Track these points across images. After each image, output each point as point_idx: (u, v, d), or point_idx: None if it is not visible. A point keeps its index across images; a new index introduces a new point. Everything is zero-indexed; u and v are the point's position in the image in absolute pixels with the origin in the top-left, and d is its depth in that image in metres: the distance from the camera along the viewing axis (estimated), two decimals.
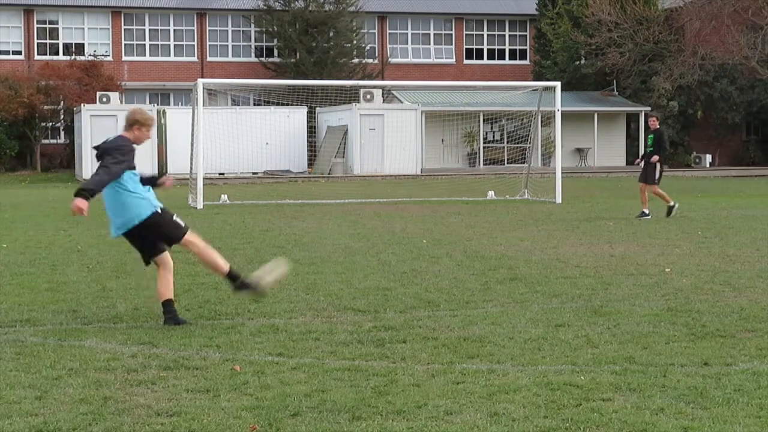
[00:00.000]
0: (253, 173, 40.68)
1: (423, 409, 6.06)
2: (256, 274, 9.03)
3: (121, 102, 42.89)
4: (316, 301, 9.94)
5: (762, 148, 50.58)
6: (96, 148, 8.78)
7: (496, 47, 54.56)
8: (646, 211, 19.93)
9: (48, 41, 49.49)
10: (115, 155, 8.60)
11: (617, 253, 13.90)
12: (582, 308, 9.47)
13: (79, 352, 7.64)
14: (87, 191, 8.37)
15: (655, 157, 20.04)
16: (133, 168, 8.75)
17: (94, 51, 48.09)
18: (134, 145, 8.85)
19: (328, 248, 14.54)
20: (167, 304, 8.76)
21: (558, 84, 27.96)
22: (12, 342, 8.00)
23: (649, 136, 20.40)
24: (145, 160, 39.57)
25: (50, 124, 46.24)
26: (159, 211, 8.74)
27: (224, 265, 8.89)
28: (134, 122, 8.85)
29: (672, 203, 19.96)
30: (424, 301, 9.92)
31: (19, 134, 44.58)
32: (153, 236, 8.82)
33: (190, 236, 8.89)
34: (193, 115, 25.58)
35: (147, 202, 8.70)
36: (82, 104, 40.47)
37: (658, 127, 20.26)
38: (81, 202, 8.34)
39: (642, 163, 20.39)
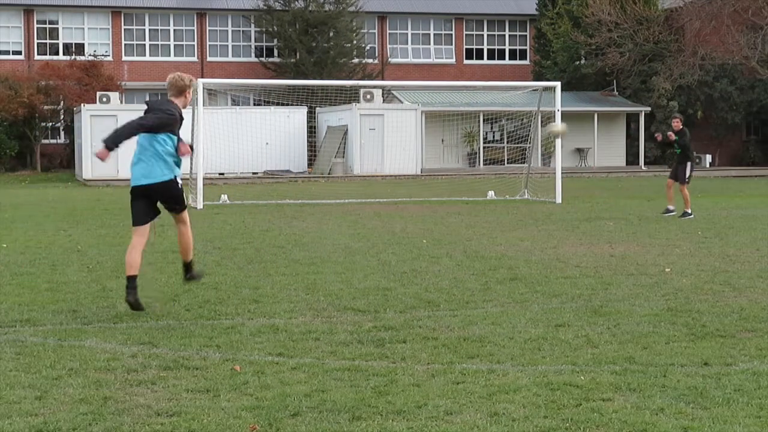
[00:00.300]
0: (253, 173, 40.69)
1: (423, 409, 6.06)
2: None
3: (121, 102, 42.87)
4: (316, 301, 9.94)
5: (762, 148, 50.58)
6: (146, 103, 9.39)
7: (496, 47, 54.56)
8: (671, 208, 20.10)
9: (48, 41, 49.49)
10: (157, 113, 9.19)
11: (617, 253, 13.90)
12: (582, 308, 9.47)
13: (79, 352, 7.64)
14: (107, 143, 9.05)
15: (658, 135, 20.97)
16: (174, 133, 9.24)
17: (94, 51, 48.10)
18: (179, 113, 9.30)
19: (328, 248, 14.54)
20: (133, 279, 9.16)
21: (558, 84, 27.95)
22: (12, 342, 8.00)
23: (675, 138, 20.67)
24: None
25: (50, 124, 46.25)
26: (177, 179, 9.32)
27: (190, 255, 9.72)
28: (184, 87, 9.34)
29: (690, 211, 19.96)
30: (424, 301, 9.92)
31: (19, 134, 44.58)
32: (162, 198, 9.34)
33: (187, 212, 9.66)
34: (193, 115, 25.57)
35: (169, 168, 9.23)
36: (82, 104, 40.47)
37: (681, 127, 20.45)
38: (101, 152, 9.04)
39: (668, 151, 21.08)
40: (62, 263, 12.89)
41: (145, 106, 9.42)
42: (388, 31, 53.24)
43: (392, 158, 41.05)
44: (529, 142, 31.74)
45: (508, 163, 44.08)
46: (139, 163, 9.26)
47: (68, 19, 49.79)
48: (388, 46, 53.08)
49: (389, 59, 52.38)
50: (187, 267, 9.78)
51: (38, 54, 48.93)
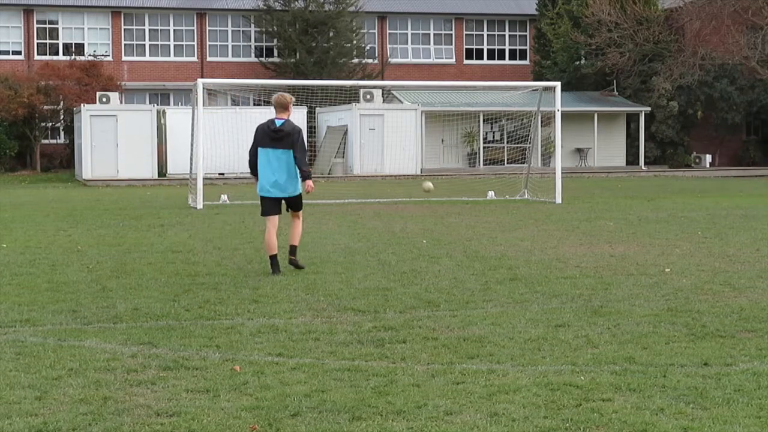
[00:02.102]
0: None
1: (423, 409, 6.06)
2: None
3: (121, 102, 42.86)
4: (316, 301, 9.94)
5: (762, 148, 50.56)
6: (281, 130, 11.67)
7: (496, 47, 54.53)
8: None
9: (48, 41, 49.47)
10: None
11: (617, 253, 13.90)
12: (582, 308, 9.47)
13: (79, 352, 7.64)
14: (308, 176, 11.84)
15: None
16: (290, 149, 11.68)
17: (94, 51, 48.07)
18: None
19: (328, 248, 14.54)
20: (274, 257, 11.67)
21: (558, 84, 27.92)
22: (12, 342, 8.00)
23: None
24: (145, 159, 39.62)
25: (50, 124, 46.23)
26: (301, 191, 11.90)
27: (297, 241, 12.05)
28: (287, 104, 11.76)
29: None
30: (424, 301, 9.92)
31: (19, 134, 44.55)
32: (290, 204, 11.99)
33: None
34: (193, 115, 25.58)
35: (300, 183, 11.81)
36: (82, 104, 40.45)
37: None
38: (310, 185, 11.91)
39: None
40: (62, 263, 12.89)
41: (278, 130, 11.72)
42: (388, 31, 53.22)
43: (392, 158, 41.03)
44: (529, 142, 31.72)
45: (508, 163, 44.05)
46: (276, 176, 11.70)
47: (68, 19, 49.76)
48: (388, 46, 53.06)
49: (389, 59, 52.36)
50: (292, 250, 11.92)
51: (38, 54, 48.90)
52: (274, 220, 11.89)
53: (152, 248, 14.61)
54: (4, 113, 43.03)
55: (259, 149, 11.88)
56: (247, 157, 12.27)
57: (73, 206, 24.20)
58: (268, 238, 11.78)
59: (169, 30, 50.73)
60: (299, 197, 11.99)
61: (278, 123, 11.75)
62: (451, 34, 53.93)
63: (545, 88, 28.97)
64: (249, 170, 12.21)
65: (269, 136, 11.78)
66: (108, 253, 14.04)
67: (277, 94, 11.85)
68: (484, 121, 45.49)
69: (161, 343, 7.95)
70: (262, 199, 11.95)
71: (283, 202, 12.00)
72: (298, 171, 11.76)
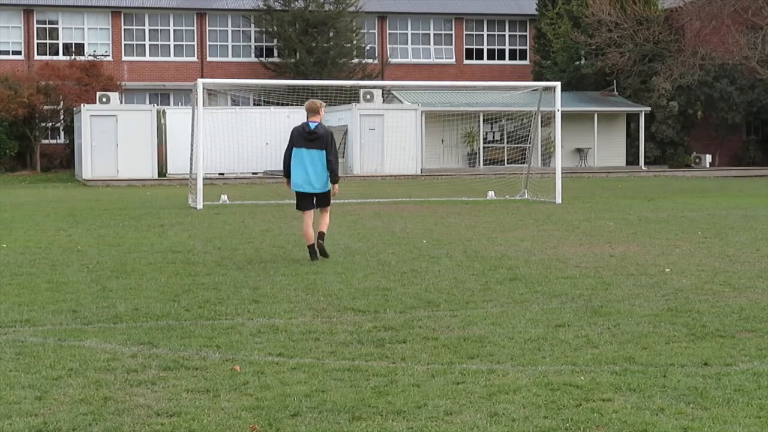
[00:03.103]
0: (253, 173, 40.69)
1: (423, 409, 6.06)
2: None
3: (121, 102, 42.86)
4: (316, 301, 9.94)
5: (762, 148, 50.56)
6: (315, 132, 12.99)
7: (496, 47, 54.55)
8: None
9: (48, 41, 49.48)
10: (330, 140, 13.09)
11: (617, 253, 13.90)
12: (582, 308, 9.47)
13: (79, 352, 7.64)
14: (337, 179, 13.17)
15: None
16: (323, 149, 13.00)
17: (94, 51, 48.09)
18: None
19: (328, 248, 14.51)
20: (312, 246, 12.91)
21: (558, 84, 27.91)
22: (12, 342, 8.00)
23: None
24: (144, 159, 39.62)
25: (50, 124, 46.24)
26: (330, 188, 13.15)
27: (324, 229, 13.04)
28: (317, 108, 13.06)
29: None
30: (424, 301, 9.92)
31: (19, 134, 44.56)
32: (320, 199, 13.14)
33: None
34: (193, 115, 25.56)
35: (328, 182, 13.08)
36: (82, 104, 40.44)
37: None
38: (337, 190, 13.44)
39: None
40: (62, 263, 12.89)
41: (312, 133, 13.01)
42: (388, 31, 53.23)
43: (392, 158, 41.02)
44: (529, 142, 31.72)
45: (508, 163, 44.05)
46: (310, 173, 12.94)
47: (68, 19, 49.76)
48: (388, 46, 53.07)
49: (389, 59, 52.37)
50: (320, 235, 12.95)
51: (38, 54, 48.91)
52: (309, 213, 13.12)
53: (152, 248, 14.61)
54: (4, 113, 43.03)
55: (294, 149, 13.12)
56: (281, 158, 13.48)
57: (73, 206, 24.20)
58: (305, 229, 13.10)
59: (169, 30, 50.73)
60: (328, 194, 13.17)
61: (312, 126, 13.02)
62: (451, 34, 53.94)
63: (545, 88, 28.96)
64: (282, 170, 13.36)
65: (304, 137, 13.08)
66: (108, 253, 14.04)
67: (309, 101, 13.21)
68: (484, 121, 45.48)
69: (161, 343, 7.95)
70: (297, 194, 13.20)
71: (314, 198, 13.20)
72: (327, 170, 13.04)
